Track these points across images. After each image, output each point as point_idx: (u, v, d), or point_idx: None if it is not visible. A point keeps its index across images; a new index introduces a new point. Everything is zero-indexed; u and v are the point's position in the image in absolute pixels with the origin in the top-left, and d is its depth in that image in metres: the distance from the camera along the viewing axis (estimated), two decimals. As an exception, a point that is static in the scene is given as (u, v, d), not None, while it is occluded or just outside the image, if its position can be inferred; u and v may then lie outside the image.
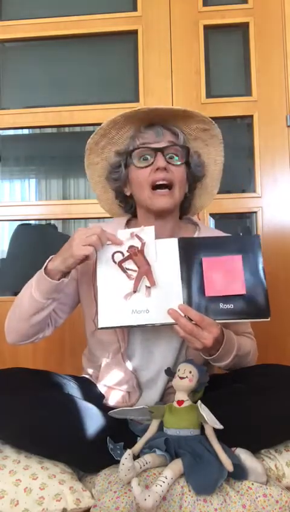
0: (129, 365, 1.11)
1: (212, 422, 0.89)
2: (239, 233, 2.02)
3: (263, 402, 0.97)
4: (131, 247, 0.99)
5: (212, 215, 1.89)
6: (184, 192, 1.14)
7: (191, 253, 0.97)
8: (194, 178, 1.16)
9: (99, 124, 1.11)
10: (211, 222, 1.92)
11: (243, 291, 0.94)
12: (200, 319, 0.93)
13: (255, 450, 1.01)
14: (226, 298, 0.94)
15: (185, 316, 0.94)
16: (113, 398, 1.12)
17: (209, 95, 1.89)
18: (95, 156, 1.16)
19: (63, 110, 1.94)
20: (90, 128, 2.20)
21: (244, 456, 0.93)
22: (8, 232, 2.21)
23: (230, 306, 0.94)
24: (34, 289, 1.02)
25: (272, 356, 1.65)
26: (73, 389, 1.11)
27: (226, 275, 0.95)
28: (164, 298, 0.95)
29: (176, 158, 1.10)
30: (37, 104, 1.98)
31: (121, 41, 2.00)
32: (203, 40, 1.90)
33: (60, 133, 2.31)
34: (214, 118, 1.13)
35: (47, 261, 1.03)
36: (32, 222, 2.15)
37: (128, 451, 0.88)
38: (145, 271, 0.97)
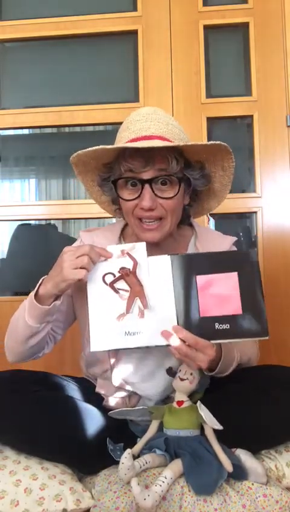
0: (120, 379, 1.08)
1: (211, 422, 0.89)
2: (239, 233, 2.02)
3: (263, 403, 0.97)
4: (122, 268, 0.95)
5: (212, 215, 1.88)
6: (179, 216, 1.06)
7: (184, 271, 0.93)
8: (195, 190, 1.08)
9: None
10: (211, 222, 1.92)
11: (239, 312, 0.90)
12: (195, 341, 0.89)
13: (255, 451, 1.01)
14: (222, 318, 0.90)
15: (179, 338, 0.90)
16: (113, 400, 1.12)
17: (209, 95, 1.88)
18: (81, 166, 1.07)
19: (63, 110, 1.93)
20: (90, 128, 2.20)
21: (245, 456, 0.94)
22: (8, 232, 2.21)
23: (226, 326, 0.90)
24: (27, 314, 0.98)
25: (273, 357, 1.65)
26: (73, 390, 1.11)
27: (221, 294, 0.91)
28: (157, 319, 0.92)
29: (167, 187, 0.99)
30: (37, 104, 1.98)
31: (121, 41, 1.99)
32: (203, 40, 1.89)
33: (60, 133, 2.31)
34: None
35: (38, 284, 0.99)
36: (32, 222, 2.15)
37: (128, 450, 0.88)
38: (137, 292, 0.94)
